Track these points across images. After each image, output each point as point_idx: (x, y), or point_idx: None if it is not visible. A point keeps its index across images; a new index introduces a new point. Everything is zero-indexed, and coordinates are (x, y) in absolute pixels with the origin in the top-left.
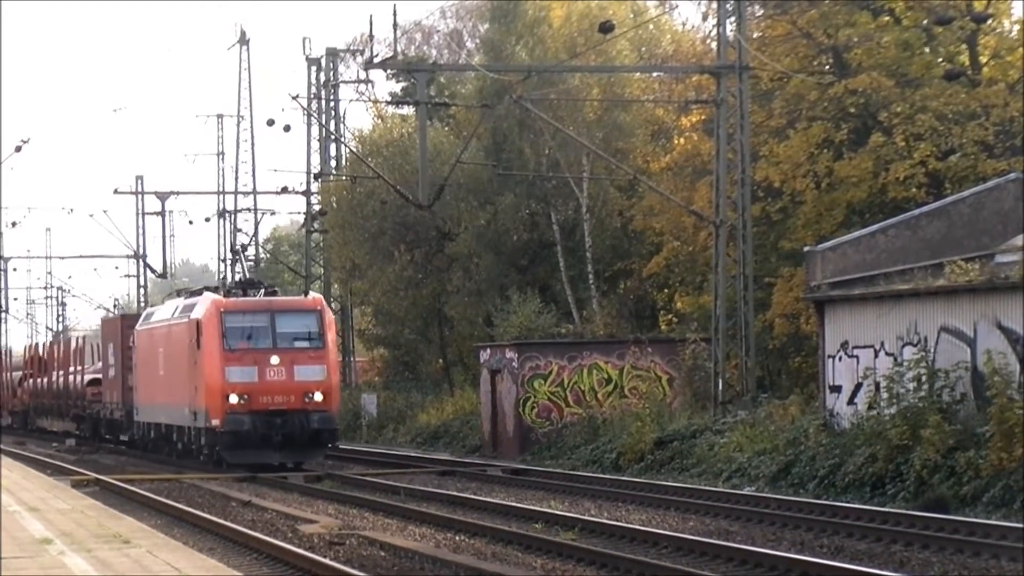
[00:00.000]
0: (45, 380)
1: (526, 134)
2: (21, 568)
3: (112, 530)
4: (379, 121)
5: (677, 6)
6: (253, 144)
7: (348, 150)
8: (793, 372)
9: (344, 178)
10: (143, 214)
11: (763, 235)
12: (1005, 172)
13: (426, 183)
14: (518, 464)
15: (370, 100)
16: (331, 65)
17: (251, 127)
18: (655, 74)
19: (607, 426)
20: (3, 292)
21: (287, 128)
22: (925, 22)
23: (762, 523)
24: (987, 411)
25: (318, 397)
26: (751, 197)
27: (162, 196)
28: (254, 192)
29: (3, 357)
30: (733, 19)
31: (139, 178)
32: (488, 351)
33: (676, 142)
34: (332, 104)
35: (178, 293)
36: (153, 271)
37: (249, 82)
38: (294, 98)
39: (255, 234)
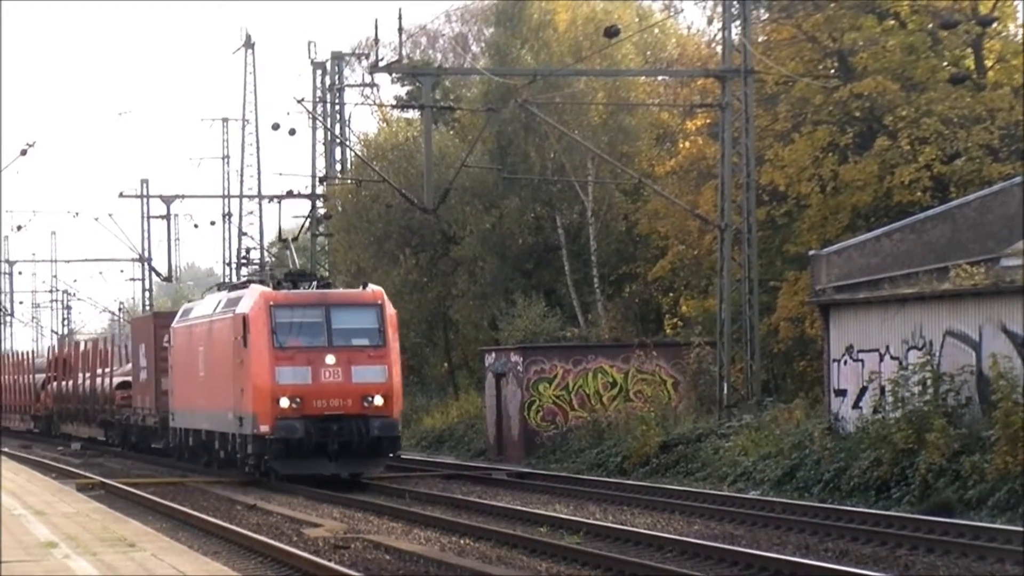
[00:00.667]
0: (70, 383)
1: (531, 138)
2: (26, 572)
3: (117, 534)
4: (384, 125)
5: (682, 10)
6: (258, 148)
7: (353, 154)
8: (798, 376)
9: (349, 182)
10: (148, 218)
11: (768, 239)
12: (1010, 176)
13: (431, 187)
14: (523, 468)
15: (375, 104)
16: (336, 69)
17: (256, 131)
18: (660, 78)
19: (612, 430)
20: (9, 296)
21: (292, 132)
22: (930, 26)
23: (767, 527)
24: (992, 415)
25: (378, 401)
26: (756, 201)
27: (167, 200)
28: (259, 196)
29: (25, 359)
30: (738, 23)
31: (144, 182)
32: (493, 355)
33: (681, 146)
34: (337, 108)
35: (218, 287)
36: (158, 275)
37: (254, 86)
38: (299, 102)
39: (261, 237)
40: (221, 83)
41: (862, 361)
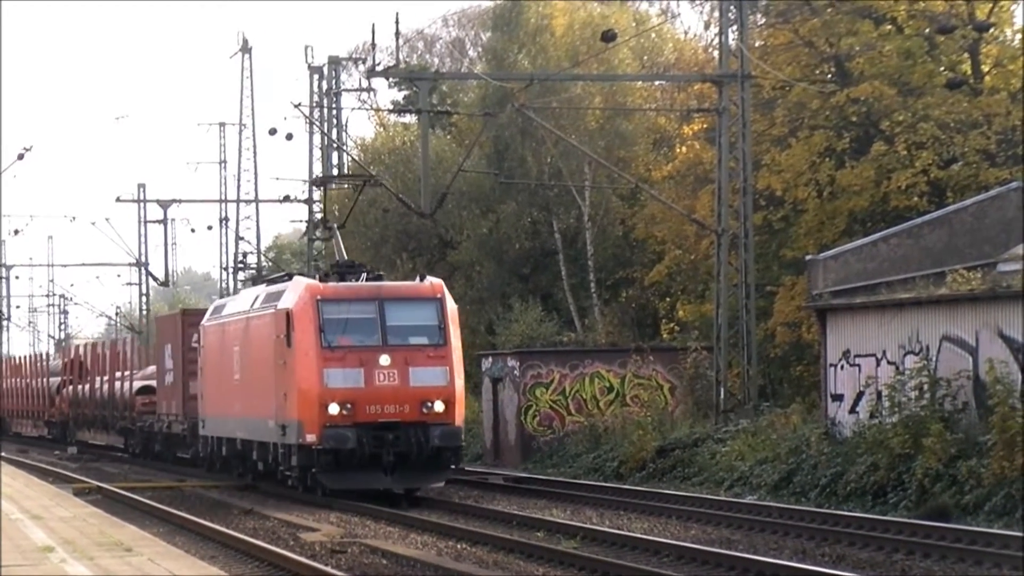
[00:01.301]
0: (87, 387)
1: (528, 142)
2: None
3: (114, 538)
4: (381, 129)
5: (679, 15)
6: (255, 152)
7: (350, 158)
8: (795, 381)
9: (346, 186)
10: (145, 222)
11: (765, 244)
12: (1007, 181)
13: (428, 191)
14: (520, 472)
15: (372, 108)
16: (333, 73)
17: (253, 135)
18: (657, 83)
19: (609, 434)
20: (6, 300)
21: (289, 136)
22: (927, 31)
23: (764, 532)
24: (989, 420)
25: (439, 407)
26: (753, 206)
27: (164, 204)
28: (256, 200)
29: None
30: (735, 28)
31: (141, 186)
32: (490, 359)
33: (678, 151)
34: (334, 112)
35: (253, 281)
36: (155, 279)
37: (251, 90)
38: (296, 106)
39: (258, 241)
40: (218, 88)
41: (859, 366)
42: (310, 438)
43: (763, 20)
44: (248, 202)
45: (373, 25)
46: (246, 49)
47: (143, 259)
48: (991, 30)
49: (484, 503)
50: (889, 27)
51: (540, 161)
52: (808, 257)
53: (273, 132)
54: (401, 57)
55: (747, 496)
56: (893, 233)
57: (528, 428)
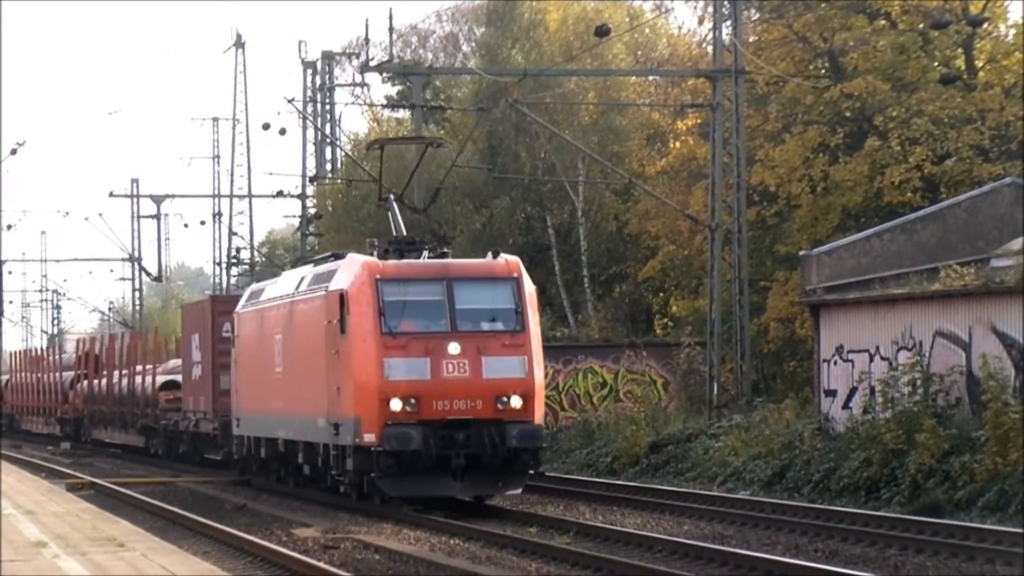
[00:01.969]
0: (103, 382)
1: (522, 138)
2: (16, 571)
3: (107, 533)
4: (375, 124)
5: (673, 9)
6: (249, 147)
7: (343, 153)
8: (788, 376)
9: (339, 181)
10: (138, 217)
11: (758, 239)
12: (1001, 176)
13: (421, 187)
14: None
15: (366, 103)
16: (327, 68)
17: (246, 130)
18: (651, 78)
19: (602, 430)
20: None
21: (283, 131)
22: (921, 26)
23: (757, 527)
24: (982, 416)
25: (516, 402)
26: (746, 201)
27: (157, 199)
28: (249, 196)
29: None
30: (729, 23)
31: (134, 181)
32: None
33: (672, 146)
34: (328, 107)
35: (293, 264)
36: (148, 274)
37: (245, 85)
38: (290, 101)
39: (252, 236)
40: (212, 83)
41: (852, 361)
42: (368, 438)
43: (757, 15)
44: (241, 197)
45: (367, 20)
46: (239, 44)
47: (136, 254)
48: (985, 25)
49: None
50: (883, 22)
51: (534, 156)
52: (801, 252)
53: (267, 127)
54: (395, 52)
55: (740, 492)
56: (886, 229)
57: None
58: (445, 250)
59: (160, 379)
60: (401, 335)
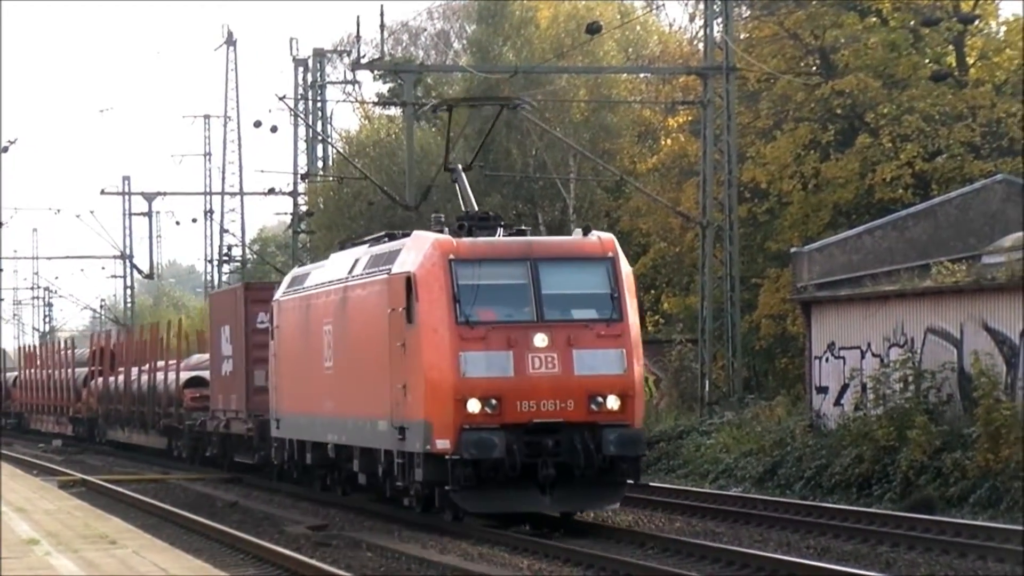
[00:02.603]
0: (119, 379)
1: (513, 135)
2: (8, 569)
3: (99, 531)
4: (366, 122)
5: (664, 7)
6: (240, 145)
7: (335, 151)
8: (780, 373)
9: (331, 179)
10: (130, 215)
11: (750, 236)
12: (992, 173)
13: (413, 184)
14: None
15: (357, 101)
16: (318, 66)
17: (238, 128)
18: (642, 75)
19: None
20: None
21: (274, 129)
22: (912, 23)
23: (749, 524)
24: (973, 412)
25: (613, 403)
26: (738, 198)
27: (149, 197)
28: (240, 193)
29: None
30: (720, 20)
31: (126, 179)
32: None
33: (663, 143)
34: (319, 105)
35: (341, 245)
36: (140, 272)
37: (236, 83)
38: (281, 99)
39: (243, 234)
40: (203, 80)
41: (844, 358)
42: (441, 444)
43: (748, 12)
44: (233, 194)
45: (358, 18)
46: (231, 42)
47: (128, 251)
48: (976, 22)
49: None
50: (874, 19)
51: (525, 154)
52: (793, 249)
53: (258, 125)
54: (386, 50)
55: (732, 488)
56: (878, 225)
57: None
58: (524, 228)
59: (184, 375)
60: (479, 325)
